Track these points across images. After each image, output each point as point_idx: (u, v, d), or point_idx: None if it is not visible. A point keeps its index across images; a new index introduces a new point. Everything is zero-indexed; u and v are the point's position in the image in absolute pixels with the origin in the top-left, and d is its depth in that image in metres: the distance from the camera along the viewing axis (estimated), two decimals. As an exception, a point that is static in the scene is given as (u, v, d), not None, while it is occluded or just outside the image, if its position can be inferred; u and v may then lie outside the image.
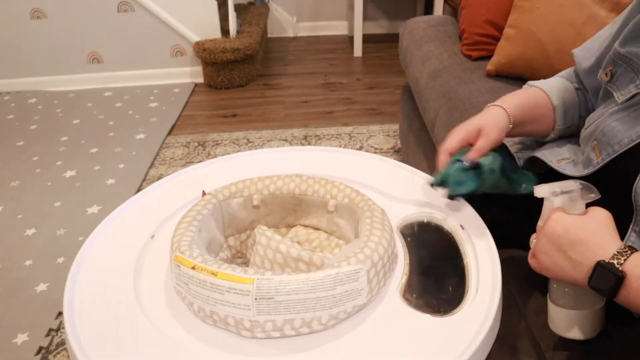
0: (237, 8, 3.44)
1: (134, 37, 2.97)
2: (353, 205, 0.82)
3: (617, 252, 0.61)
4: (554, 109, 0.92)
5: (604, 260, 0.61)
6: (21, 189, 2.11)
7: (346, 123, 2.59)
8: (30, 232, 1.85)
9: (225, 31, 3.03)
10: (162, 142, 2.44)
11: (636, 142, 0.73)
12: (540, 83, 0.95)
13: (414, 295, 0.72)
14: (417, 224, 0.86)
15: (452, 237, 0.82)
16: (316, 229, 0.89)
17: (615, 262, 0.60)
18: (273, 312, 0.64)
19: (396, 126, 2.52)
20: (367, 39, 3.65)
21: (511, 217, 0.95)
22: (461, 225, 0.84)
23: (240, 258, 0.88)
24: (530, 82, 0.97)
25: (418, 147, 1.85)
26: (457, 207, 0.88)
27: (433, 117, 1.59)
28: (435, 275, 0.78)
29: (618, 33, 0.84)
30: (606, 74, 0.82)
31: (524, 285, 0.96)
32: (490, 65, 1.62)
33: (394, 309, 0.70)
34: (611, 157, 0.76)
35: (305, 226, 0.90)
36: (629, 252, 0.61)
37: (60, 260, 1.71)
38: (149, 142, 2.44)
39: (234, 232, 0.87)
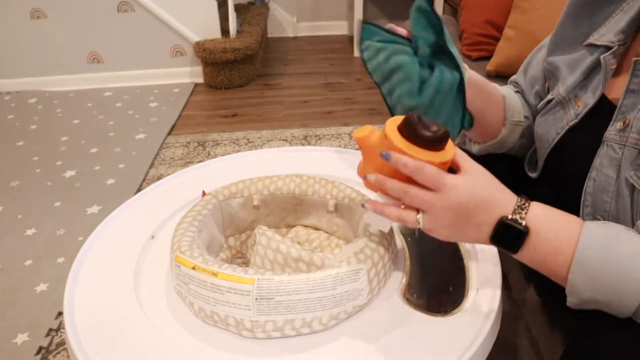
0: (237, 8, 3.44)
1: (134, 37, 2.97)
2: (353, 205, 0.82)
3: (517, 206, 0.61)
4: (503, 97, 0.89)
5: (506, 217, 0.60)
6: (21, 189, 2.11)
7: (346, 123, 2.59)
8: (30, 232, 1.85)
9: (225, 31, 3.03)
10: (162, 142, 2.44)
11: (557, 139, 0.77)
12: (505, 90, 0.93)
13: (415, 295, 0.72)
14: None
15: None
16: (316, 229, 0.89)
17: (517, 217, 0.60)
18: (274, 312, 0.64)
19: (396, 126, 2.52)
20: (367, 39, 3.64)
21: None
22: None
23: (240, 258, 0.88)
24: None
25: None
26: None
27: (433, 117, 1.59)
28: (436, 276, 0.78)
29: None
30: (546, 88, 0.87)
31: (523, 286, 0.96)
32: (490, 66, 1.63)
33: (394, 309, 0.70)
34: (545, 155, 0.80)
35: (306, 226, 0.90)
36: (527, 205, 0.61)
37: (60, 260, 1.71)
38: (149, 142, 2.44)
39: (234, 232, 0.87)
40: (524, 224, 0.60)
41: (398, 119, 0.62)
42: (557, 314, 0.87)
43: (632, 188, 0.64)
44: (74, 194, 2.06)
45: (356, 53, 3.49)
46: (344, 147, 2.29)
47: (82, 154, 2.35)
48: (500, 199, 0.62)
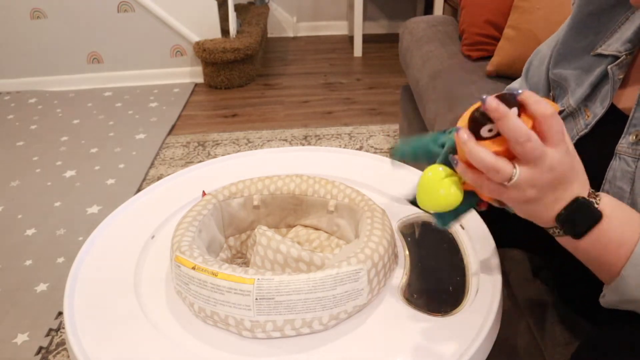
0: (237, 8, 3.44)
1: (134, 37, 2.97)
2: (353, 205, 0.82)
3: (591, 190, 0.59)
4: None
5: (582, 197, 0.57)
6: (21, 189, 2.11)
7: (346, 123, 2.59)
8: (30, 232, 1.85)
9: (225, 31, 3.03)
10: (162, 142, 2.44)
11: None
12: None
13: (415, 296, 0.72)
14: (418, 224, 0.86)
15: (453, 237, 0.82)
16: (316, 229, 0.89)
17: (594, 201, 0.58)
18: (274, 313, 0.64)
19: (396, 126, 2.52)
20: (367, 39, 3.65)
21: (511, 217, 0.95)
22: (461, 225, 0.84)
23: (240, 258, 0.88)
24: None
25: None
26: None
27: (433, 117, 1.59)
28: (436, 275, 0.78)
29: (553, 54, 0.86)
30: (551, 97, 0.85)
31: (524, 285, 0.96)
32: (490, 66, 1.62)
33: (394, 309, 0.70)
34: None
35: (306, 226, 0.90)
36: (598, 194, 0.59)
37: (60, 260, 1.71)
38: (149, 142, 2.44)
39: (234, 232, 0.87)
40: (598, 208, 0.57)
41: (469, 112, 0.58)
42: (562, 313, 0.87)
43: None
44: (74, 194, 2.06)
45: (356, 53, 3.49)
46: (344, 147, 2.29)
47: (82, 154, 2.35)
48: (579, 180, 0.58)
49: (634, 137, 0.67)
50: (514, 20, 1.59)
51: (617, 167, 0.68)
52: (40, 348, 1.40)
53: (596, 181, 0.70)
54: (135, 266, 0.78)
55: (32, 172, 2.22)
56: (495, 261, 0.76)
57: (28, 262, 1.70)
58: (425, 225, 0.86)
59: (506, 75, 1.60)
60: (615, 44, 0.74)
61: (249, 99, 2.90)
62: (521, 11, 1.57)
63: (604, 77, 0.74)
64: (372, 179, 0.96)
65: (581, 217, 0.58)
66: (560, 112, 0.80)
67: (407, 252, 0.79)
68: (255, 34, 3.06)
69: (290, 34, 3.94)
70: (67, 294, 0.73)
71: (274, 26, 3.90)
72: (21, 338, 1.43)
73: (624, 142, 0.68)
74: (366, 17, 3.84)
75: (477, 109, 0.56)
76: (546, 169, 0.55)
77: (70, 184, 2.13)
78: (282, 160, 1.05)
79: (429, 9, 3.70)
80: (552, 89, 0.86)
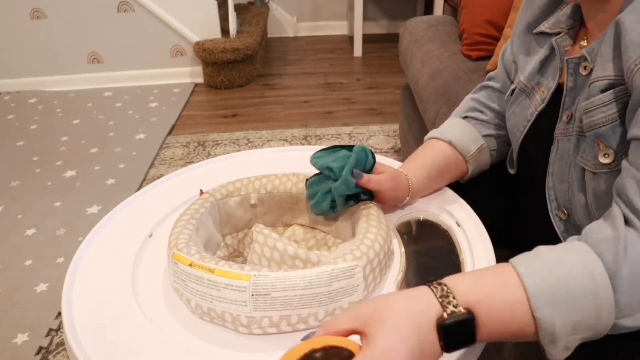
0: (237, 8, 3.44)
1: (134, 37, 2.98)
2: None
3: (439, 297, 0.53)
4: (451, 147, 0.90)
5: (442, 319, 0.52)
6: (21, 189, 2.11)
7: (346, 123, 2.59)
8: (30, 232, 1.86)
9: (225, 31, 3.03)
10: (162, 142, 2.44)
11: (528, 126, 0.80)
12: (449, 135, 0.91)
13: (411, 293, 0.72)
14: (414, 221, 0.86)
15: (448, 234, 0.83)
16: (313, 228, 0.89)
17: (451, 308, 0.53)
18: (270, 308, 0.64)
19: (396, 126, 2.52)
20: (367, 39, 3.65)
21: (509, 216, 0.95)
22: (457, 223, 0.84)
23: (237, 257, 0.88)
24: (432, 135, 0.94)
25: (418, 147, 1.85)
26: (454, 206, 0.88)
27: (433, 117, 1.59)
28: (432, 273, 0.78)
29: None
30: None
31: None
32: (490, 66, 1.62)
33: (390, 306, 0.70)
34: (517, 146, 0.83)
35: (302, 225, 0.90)
36: (445, 287, 0.54)
37: (60, 260, 1.71)
38: (149, 142, 2.44)
39: (232, 230, 0.88)
40: (461, 310, 0.53)
41: (296, 353, 0.53)
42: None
43: (582, 170, 0.68)
44: (74, 194, 2.07)
45: (356, 53, 3.50)
46: (343, 147, 2.29)
47: (82, 154, 2.35)
48: (419, 311, 0.52)
49: (566, 117, 0.72)
50: (514, 20, 1.59)
51: (555, 150, 0.73)
52: (40, 348, 1.41)
53: (546, 162, 0.76)
54: (133, 264, 0.79)
55: (32, 172, 2.23)
56: (491, 259, 0.76)
57: (28, 262, 1.71)
58: (421, 223, 0.86)
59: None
60: (557, 22, 0.78)
61: (249, 99, 2.90)
62: (520, 10, 1.57)
63: (551, 52, 0.78)
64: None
65: (460, 335, 0.53)
66: (512, 92, 0.85)
67: (403, 250, 0.79)
68: (255, 34, 3.06)
69: (290, 34, 3.95)
70: (65, 292, 0.74)
71: (274, 26, 3.90)
72: (21, 338, 1.44)
73: (559, 126, 0.73)
74: (366, 17, 3.84)
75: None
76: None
77: (70, 184, 2.14)
78: (280, 160, 1.05)
79: (429, 9, 3.70)
80: (514, 71, 0.89)
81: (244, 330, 0.66)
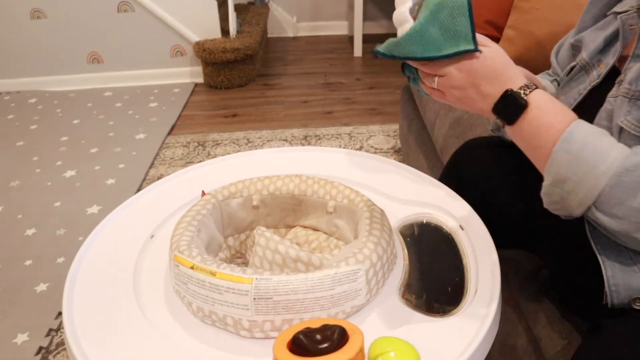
0: (237, 8, 3.44)
1: (134, 37, 2.97)
2: (352, 206, 0.82)
3: (525, 84, 0.68)
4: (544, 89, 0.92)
5: (512, 89, 0.67)
6: (21, 189, 2.11)
7: (346, 123, 2.59)
8: (30, 232, 1.85)
9: (225, 31, 3.03)
10: (162, 142, 2.44)
11: (579, 99, 0.81)
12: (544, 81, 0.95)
13: (413, 296, 0.72)
14: (417, 224, 0.86)
15: (452, 237, 0.82)
16: (315, 229, 0.89)
17: (521, 92, 0.67)
18: (271, 312, 0.64)
19: (396, 126, 2.52)
20: (367, 39, 3.64)
21: (511, 217, 0.95)
22: (460, 226, 0.84)
23: (239, 258, 0.88)
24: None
25: (418, 147, 1.85)
26: (457, 208, 0.88)
27: (433, 117, 1.59)
28: (435, 276, 0.78)
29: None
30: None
31: (524, 285, 0.96)
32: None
33: (393, 309, 0.70)
34: None
35: (305, 227, 0.90)
36: (533, 87, 0.67)
37: (60, 260, 1.71)
38: (149, 142, 2.44)
39: (233, 232, 0.87)
40: (525, 98, 0.66)
41: (285, 338, 0.59)
42: (562, 313, 0.87)
43: (620, 131, 0.69)
44: (74, 194, 2.06)
45: (356, 53, 3.49)
46: (344, 147, 2.29)
47: (82, 154, 2.35)
48: (512, 76, 0.68)
49: (620, 79, 0.72)
50: (514, 20, 1.58)
51: (603, 110, 0.73)
52: (40, 348, 1.40)
53: None
54: (135, 265, 0.79)
55: (32, 172, 2.22)
56: (495, 261, 0.76)
57: (28, 262, 1.70)
58: (424, 225, 0.86)
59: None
60: (630, 2, 0.78)
61: (249, 99, 2.90)
62: (521, 11, 1.57)
63: (618, 32, 0.78)
64: (372, 180, 0.96)
65: (509, 106, 0.67)
66: (572, 69, 0.85)
67: (406, 253, 0.79)
68: (255, 34, 3.06)
69: (290, 34, 3.94)
70: (66, 293, 0.74)
71: (274, 26, 3.90)
72: (21, 338, 1.43)
73: (612, 89, 0.73)
74: (366, 17, 3.84)
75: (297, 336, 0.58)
76: (466, 70, 0.68)
77: (70, 184, 2.13)
78: (282, 160, 1.05)
79: (429, 9, 3.69)
80: (572, 57, 0.89)
81: (245, 334, 0.66)
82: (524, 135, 0.68)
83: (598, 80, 0.78)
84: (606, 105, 0.72)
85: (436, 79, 0.71)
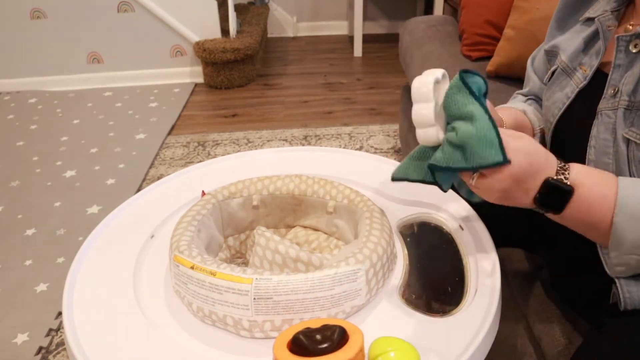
0: (237, 8, 3.44)
1: (134, 37, 2.97)
2: (352, 206, 0.82)
3: (559, 167, 0.64)
4: (525, 116, 0.92)
5: (552, 178, 0.63)
6: (21, 189, 2.11)
7: (346, 123, 2.59)
8: (30, 232, 1.85)
9: (225, 31, 3.03)
10: (162, 142, 2.44)
11: (567, 103, 0.80)
12: (520, 106, 0.95)
13: (413, 296, 0.72)
14: (417, 224, 0.86)
15: (452, 237, 0.82)
16: (315, 229, 0.89)
17: (562, 177, 0.63)
18: (272, 312, 0.64)
19: (396, 126, 2.52)
20: (367, 39, 3.65)
21: (511, 217, 0.95)
22: (460, 226, 0.84)
23: (239, 258, 0.88)
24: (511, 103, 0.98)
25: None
26: (457, 208, 0.88)
27: (433, 117, 1.59)
28: (435, 276, 0.78)
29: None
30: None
31: (524, 285, 0.96)
32: (490, 66, 1.62)
33: (393, 309, 0.70)
34: (553, 125, 0.84)
35: (305, 227, 0.90)
36: (567, 166, 0.64)
37: (60, 260, 1.71)
38: (149, 142, 2.44)
39: (234, 232, 0.87)
40: (568, 182, 0.63)
41: (285, 338, 0.60)
42: (562, 313, 0.87)
43: (627, 143, 0.69)
44: (74, 194, 2.06)
45: (356, 53, 3.49)
46: (344, 147, 2.29)
47: (82, 154, 2.35)
48: (544, 162, 0.64)
49: (612, 91, 0.72)
50: (514, 20, 1.58)
51: (600, 123, 0.73)
52: (40, 348, 1.40)
53: (584, 142, 0.76)
54: (135, 266, 0.78)
55: (32, 172, 2.22)
56: (495, 261, 0.76)
57: (28, 262, 1.70)
58: (424, 225, 0.86)
59: (506, 75, 1.60)
60: (602, 7, 0.79)
61: (249, 99, 2.90)
62: (521, 11, 1.57)
63: (595, 34, 0.79)
64: (372, 180, 0.96)
65: (555, 196, 0.64)
66: (553, 73, 0.85)
67: (406, 252, 0.79)
68: (255, 34, 3.06)
69: (290, 34, 3.94)
70: (66, 293, 0.73)
71: (274, 26, 3.90)
72: (21, 338, 1.43)
73: (604, 101, 0.73)
74: (366, 17, 3.84)
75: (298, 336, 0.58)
76: (515, 174, 0.63)
77: (70, 184, 2.13)
78: (282, 160, 1.05)
79: (429, 9, 3.69)
80: (548, 63, 0.90)
81: (245, 334, 0.66)
82: (576, 217, 0.65)
83: (585, 83, 0.78)
84: (603, 119, 0.72)
85: (475, 177, 0.66)
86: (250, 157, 1.06)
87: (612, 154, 0.72)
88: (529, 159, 0.63)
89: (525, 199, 0.65)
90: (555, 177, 0.63)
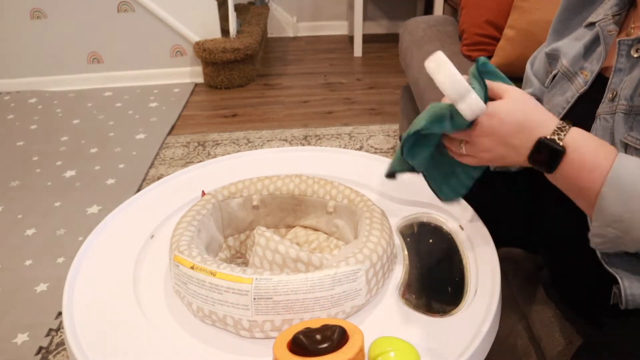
0: (237, 8, 3.44)
1: (134, 37, 2.97)
2: (352, 206, 0.82)
3: (557, 127, 0.65)
4: None
5: (545, 137, 0.64)
6: (21, 189, 2.11)
7: (346, 123, 2.59)
8: (30, 232, 1.85)
9: (225, 31, 3.03)
10: (162, 142, 2.44)
11: (567, 107, 0.80)
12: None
13: (413, 296, 0.72)
14: (417, 224, 0.86)
15: (452, 237, 0.82)
16: (315, 229, 0.89)
17: (556, 137, 0.64)
18: (272, 312, 0.64)
19: (396, 126, 2.52)
20: (367, 39, 3.64)
21: (511, 217, 0.95)
22: (460, 226, 0.84)
23: (239, 258, 0.88)
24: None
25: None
26: (457, 208, 0.88)
27: (433, 117, 1.58)
28: (435, 276, 0.78)
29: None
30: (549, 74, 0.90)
31: (524, 285, 0.96)
32: (490, 66, 1.62)
33: (393, 309, 0.70)
34: None
35: (305, 227, 0.90)
36: (567, 127, 0.65)
37: (60, 260, 1.71)
38: (149, 142, 2.44)
39: (234, 232, 0.87)
40: (561, 143, 0.63)
41: (285, 338, 0.60)
42: (562, 313, 0.87)
43: (626, 147, 0.68)
44: (74, 194, 2.06)
45: (356, 53, 3.49)
46: (344, 147, 2.29)
47: (82, 154, 2.35)
48: (540, 121, 0.65)
49: (611, 95, 0.72)
50: (514, 20, 1.58)
51: (598, 127, 0.73)
52: (40, 348, 1.40)
53: None
54: (135, 265, 0.79)
55: (32, 172, 2.22)
56: (495, 261, 0.76)
57: (28, 262, 1.70)
58: (424, 225, 0.86)
59: (506, 75, 1.60)
60: (603, 12, 0.79)
61: (249, 99, 2.90)
62: (521, 11, 1.57)
63: (596, 39, 0.79)
64: (372, 180, 0.96)
65: (545, 155, 0.65)
66: (554, 77, 0.85)
67: (406, 253, 0.79)
68: (255, 34, 3.06)
69: (290, 34, 3.94)
70: (66, 293, 0.74)
71: (274, 26, 3.90)
72: (21, 338, 1.43)
73: (603, 105, 0.73)
74: (366, 17, 3.84)
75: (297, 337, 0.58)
76: (489, 133, 0.66)
77: (70, 184, 2.13)
78: (282, 160, 1.05)
79: (429, 9, 3.69)
80: (549, 65, 0.89)
81: (245, 334, 0.66)
82: (566, 179, 0.65)
83: (586, 87, 0.78)
84: (602, 123, 0.72)
85: (462, 145, 0.69)
86: (250, 157, 1.06)
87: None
88: (513, 116, 0.65)
89: (517, 157, 0.67)
90: (548, 137, 0.64)
